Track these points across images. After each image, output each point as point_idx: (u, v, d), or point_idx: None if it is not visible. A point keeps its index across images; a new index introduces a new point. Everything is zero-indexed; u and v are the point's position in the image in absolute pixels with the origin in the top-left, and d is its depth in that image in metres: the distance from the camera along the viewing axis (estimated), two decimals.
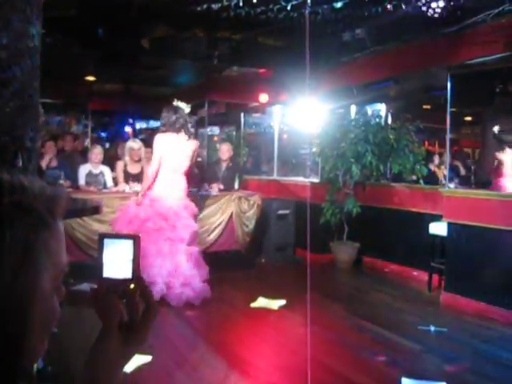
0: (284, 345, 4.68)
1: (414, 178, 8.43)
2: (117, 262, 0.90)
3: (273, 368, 4.18)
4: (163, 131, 6.15)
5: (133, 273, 0.89)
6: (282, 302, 5.84)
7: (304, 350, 3.97)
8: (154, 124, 15.39)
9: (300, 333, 4.58)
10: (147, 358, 4.02)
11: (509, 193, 5.80)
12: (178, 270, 5.75)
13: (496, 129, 7.57)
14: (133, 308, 0.90)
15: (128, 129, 15.52)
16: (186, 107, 6.36)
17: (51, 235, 0.74)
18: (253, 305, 5.79)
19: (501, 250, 5.67)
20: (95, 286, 0.90)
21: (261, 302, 5.86)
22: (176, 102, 6.35)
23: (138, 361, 3.88)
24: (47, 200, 0.73)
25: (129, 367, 3.44)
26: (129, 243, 0.89)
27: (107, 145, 13.15)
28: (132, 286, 0.89)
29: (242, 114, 11.39)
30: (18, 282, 0.68)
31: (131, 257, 0.89)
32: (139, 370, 3.78)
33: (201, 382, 3.85)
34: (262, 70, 9.76)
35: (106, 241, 0.90)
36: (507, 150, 7.35)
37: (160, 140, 6.08)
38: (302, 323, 4.74)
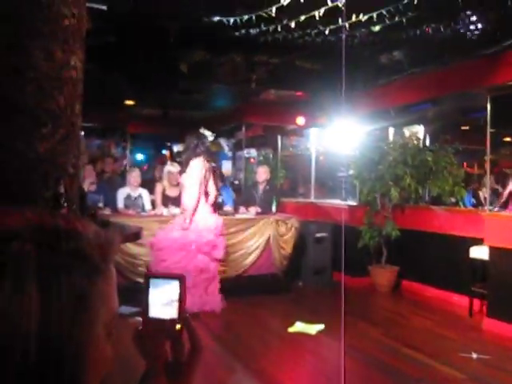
0: (321, 371, 4.62)
1: (454, 200, 8.32)
2: (163, 302, 0.89)
3: None
4: (187, 156, 6.50)
5: (179, 313, 0.89)
6: (320, 326, 5.77)
7: (341, 376, 3.92)
8: None
9: (337, 358, 4.51)
10: None
11: None
12: None
13: None
14: (178, 349, 0.89)
15: (166, 152, 15.71)
16: (210, 135, 6.69)
17: (104, 281, 0.74)
18: (290, 329, 5.73)
19: None
20: (140, 327, 0.90)
21: (298, 327, 5.80)
22: (202, 129, 6.65)
23: None
24: (101, 246, 0.74)
25: None
26: (175, 284, 0.89)
27: (145, 167, 13.34)
28: (178, 326, 0.89)
29: (279, 137, 11.42)
30: (74, 330, 0.68)
31: (177, 297, 0.89)
32: None
33: None
34: (299, 93, 9.79)
35: (151, 281, 0.90)
36: None
37: (198, 165, 6.20)
38: (339, 348, 4.67)
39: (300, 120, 10.23)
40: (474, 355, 5.04)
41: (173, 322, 0.89)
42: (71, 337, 0.68)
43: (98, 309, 0.72)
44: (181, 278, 0.90)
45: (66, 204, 2.68)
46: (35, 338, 0.65)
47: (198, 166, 6.37)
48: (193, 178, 6.35)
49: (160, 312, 0.89)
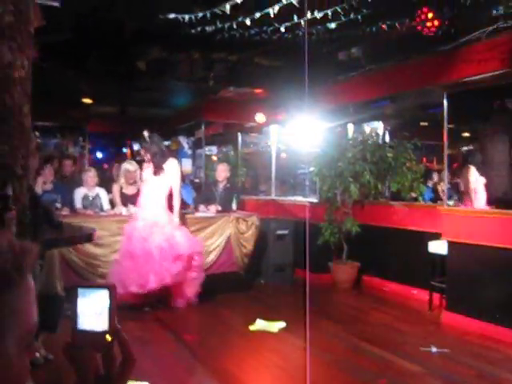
0: (283, 368, 4.61)
1: (414, 195, 8.41)
2: (92, 313, 0.85)
3: None
4: (160, 159, 6.67)
5: (109, 324, 0.85)
6: (282, 324, 5.76)
7: (304, 373, 3.91)
8: None
9: (300, 356, 4.50)
10: None
11: (509, 211, 5.74)
12: None
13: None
14: (109, 361, 0.85)
15: (126, 150, 15.53)
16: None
17: (17, 294, 0.69)
18: (252, 328, 5.71)
19: (502, 268, 5.61)
20: (69, 339, 0.85)
21: (260, 325, 5.78)
22: (145, 132, 6.77)
23: None
24: (15, 256, 0.69)
25: None
26: (104, 293, 0.85)
27: (106, 166, 13.16)
28: (109, 338, 0.84)
29: (239, 134, 11.39)
30: None
31: (107, 307, 0.85)
32: None
33: None
34: (258, 90, 9.77)
35: (79, 291, 0.85)
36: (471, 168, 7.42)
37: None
38: (301, 346, 4.66)
39: (260, 117, 10.21)
40: (434, 349, 5.09)
41: (103, 333, 0.84)
42: None
43: (8, 323, 0.67)
44: (110, 288, 0.85)
45: (14, 206, 2.60)
46: None
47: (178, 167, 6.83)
48: (179, 178, 6.76)
49: (90, 324, 0.85)
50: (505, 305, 5.51)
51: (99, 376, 0.84)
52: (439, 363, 4.84)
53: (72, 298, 0.85)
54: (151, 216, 6.48)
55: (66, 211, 6.94)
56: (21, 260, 0.70)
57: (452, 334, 5.70)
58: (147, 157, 6.67)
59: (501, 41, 5.82)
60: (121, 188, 7.55)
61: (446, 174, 7.02)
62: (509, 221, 5.60)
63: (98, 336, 0.84)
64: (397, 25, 6.01)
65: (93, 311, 0.84)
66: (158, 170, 6.58)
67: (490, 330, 5.55)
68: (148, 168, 6.68)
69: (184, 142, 13.26)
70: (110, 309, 0.84)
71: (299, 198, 9.40)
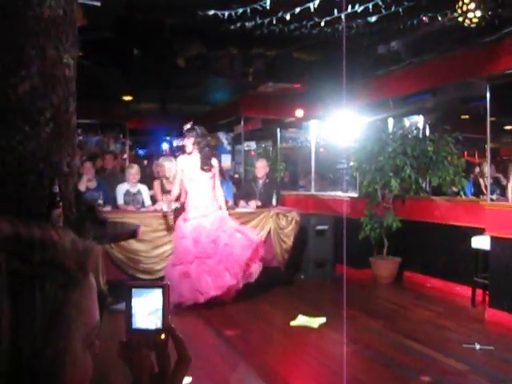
0: (324, 364, 4.60)
1: (455, 190, 8.29)
2: (146, 311, 0.87)
3: None
4: (208, 154, 6.60)
5: (163, 323, 0.86)
6: (322, 319, 5.75)
7: (345, 369, 3.90)
8: None
9: (340, 352, 4.49)
10: (187, 380, 3.99)
11: None
12: None
13: None
14: (164, 359, 0.87)
15: (165, 146, 15.70)
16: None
17: (82, 293, 0.71)
18: (292, 323, 5.71)
19: None
20: (124, 338, 0.87)
21: (300, 320, 5.78)
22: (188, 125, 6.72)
23: None
24: (79, 256, 0.71)
25: None
26: (158, 292, 0.86)
27: (145, 162, 13.32)
28: (163, 336, 0.86)
29: (278, 130, 11.39)
30: (49, 346, 0.65)
31: (161, 306, 0.86)
32: None
33: None
34: (297, 85, 9.75)
35: (134, 291, 0.87)
36: None
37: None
38: (342, 341, 4.65)
39: (299, 112, 10.19)
40: (478, 346, 5.02)
41: (157, 331, 0.86)
42: (45, 352, 0.65)
43: (74, 322, 0.69)
44: (163, 287, 0.87)
45: (61, 203, 2.66)
46: (7, 354, 0.62)
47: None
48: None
49: (144, 322, 0.86)
50: None
51: (154, 375, 0.86)
52: (483, 361, 4.76)
53: (126, 298, 0.87)
54: (206, 213, 6.41)
55: (108, 208, 7.06)
56: (84, 259, 0.71)
57: (496, 331, 5.60)
58: (194, 149, 6.44)
59: None
60: (161, 184, 7.64)
61: (488, 168, 6.89)
62: None
63: (152, 334, 0.86)
64: (438, 16, 5.91)
65: (147, 310, 0.86)
66: (207, 165, 6.43)
67: None
68: (189, 161, 6.47)
69: (223, 137, 13.34)
70: (164, 307, 0.86)
71: (339, 193, 9.36)
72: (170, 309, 0.88)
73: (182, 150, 7.38)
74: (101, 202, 6.95)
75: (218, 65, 8.69)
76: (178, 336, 0.87)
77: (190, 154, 6.47)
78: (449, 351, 4.92)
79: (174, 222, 6.75)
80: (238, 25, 5.85)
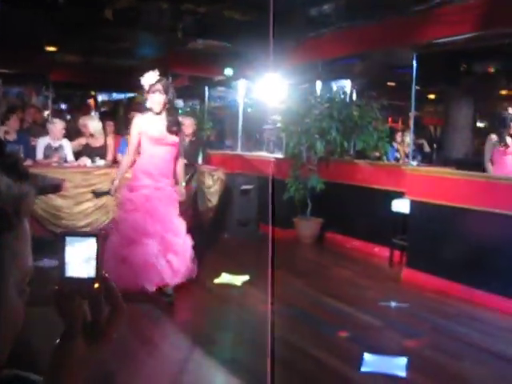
0: (247, 321, 4.69)
1: (378, 154, 8.52)
2: (79, 260, 0.85)
3: (236, 345, 4.19)
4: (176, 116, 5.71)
5: (97, 272, 0.85)
6: (246, 277, 5.84)
7: (267, 326, 3.99)
8: (116, 96, 15.15)
9: (263, 309, 4.59)
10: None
11: (470, 172, 5.88)
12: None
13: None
14: (97, 308, 0.86)
15: (90, 101, 15.25)
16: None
17: (16, 237, 0.70)
18: (216, 281, 5.78)
19: (461, 227, 5.77)
20: (56, 287, 0.85)
21: (224, 278, 5.85)
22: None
23: None
24: (13, 199, 0.69)
25: None
26: (91, 241, 0.85)
27: (68, 117, 12.91)
28: (96, 285, 0.85)
29: (207, 88, 11.28)
30: None
31: (94, 255, 0.85)
32: None
33: (164, 361, 3.84)
34: (225, 44, 9.64)
35: (67, 239, 0.86)
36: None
37: None
38: (265, 299, 4.74)
39: (228, 71, 10.11)
40: (393, 304, 5.24)
41: (91, 280, 0.85)
42: None
43: (9, 265, 0.68)
44: (97, 235, 0.86)
45: None
46: None
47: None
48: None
49: (77, 271, 0.85)
50: (462, 262, 5.69)
51: (87, 323, 0.85)
52: (397, 317, 4.99)
53: (59, 247, 0.85)
54: (160, 185, 5.29)
55: (28, 162, 6.83)
56: (19, 203, 0.70)
57: (411, 289, 5.86)
58: (157, 103, 5.19)
59: (473, 4, 5.86)
60: (86, 140, 7.48)
61: (411, 134, 7.10)
62: (468, 181, 5.74)
63: (85, 283, 0.85)
64: None
65: (80, 259, 0.85)
66: (176, 125, 5.36)
67: (447, 287, 5.73)
68: (152, 121, 5.26)
69: None
70: (98, 256, 0.85)
71: (265, 154, 9.42)
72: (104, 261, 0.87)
73: (133, 107, 7.02)
74: (21, 155, 6.73)
75: (146, 18, 8.48)
76: (111, 285, 0.87)
77: (158, 113, 5.24)
78: (366, 308, 5.12)
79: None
80: None
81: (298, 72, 8.86)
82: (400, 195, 6.57)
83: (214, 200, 7.58)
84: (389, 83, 11.67)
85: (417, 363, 3.86)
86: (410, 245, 6.37)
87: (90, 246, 0.85)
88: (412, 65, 6.66)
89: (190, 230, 6.69)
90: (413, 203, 6.27)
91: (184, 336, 4.30)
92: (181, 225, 5.47)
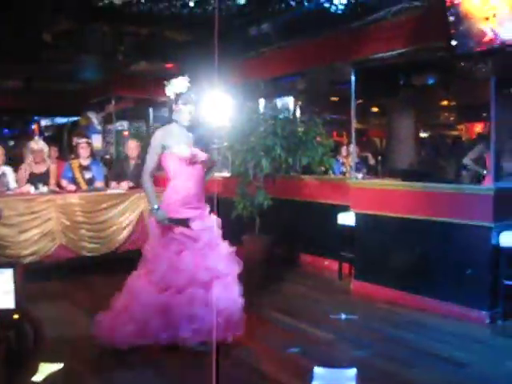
0: None
1: (323, 169, 8.62)
2: None
3: (182, 361, 4.16)
4: None
5: (16, 302, 0.86)
6: None
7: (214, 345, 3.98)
8: (59, 121, 14.93)
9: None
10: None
11: (409, 183, 6.04)
12: None
13: None
14: (21, 338, 0.86)
15: (34, 126, 15.02)
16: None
17: None
18: None
19: (404, 237, 5.93)
20: None
21: None
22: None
23: None
24: None
25: None
26: (9, 273, 0.86)
27: (12, 143, 12.68)
28: (16, 316, 0.86)
29: (151, 109, 11.26)
30: None
31: (12, 286, 0.86)
32: None
33: None
34: (169, 65, 9.65)
35: None
36: None
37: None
38: None
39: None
40: (343, 316, 5.32)
41: (10, 311, 0.85)
42: None
43: None
44: (14, 266, 0.87)
45: None
46: None
47: None
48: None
49: None
50: (407, 271, 5.84)
51: (11, 352, 0.86)
52: (348, 329, 5.06)
53: None
54: (196, 214, 4.60)
55: None
56: None
57: (360, 301, 5.95)
58: (188, 115, 4.65)
59: (405, 20, 6.04)
60: (30, 166, 7.36)
61: (353, 147, 7.23)
62: (411, 192, 5.90)
63: (4, 314, 0.85)
64: (304, 1, 6.10)
65: None
66: (203, 139, 4.83)
67: (395, 296, 5.86)
68: (177, 134, 4.62)
69: (93, 117, 12.95)
70: (16, 287, 0.85)
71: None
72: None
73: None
74: None
75: (87, 42, 8.42)
76: (33, 316, 0.87)
77: (186, 124, 4.66)
78: (317, 322, 5.17)
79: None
80: (107, 1, 5.71)
81: (242, 91, 8.92)
82: (346, 208, 6.68)
83: None
84: (332, 98, 11.86)
85: (368, 373, 3.91)
86: (356, 257, 6.48)
87: (6, 277, 0.85)
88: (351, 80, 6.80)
89: (139, 253, 6.66)
90: (357, 216, 6.39)
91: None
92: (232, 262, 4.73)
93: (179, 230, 4.46)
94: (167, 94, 4.75)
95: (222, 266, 4.58)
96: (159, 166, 4.69)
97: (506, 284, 5.21)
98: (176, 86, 4.75)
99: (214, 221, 4.67)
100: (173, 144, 4.52)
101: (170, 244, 4.50)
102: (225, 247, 4.72)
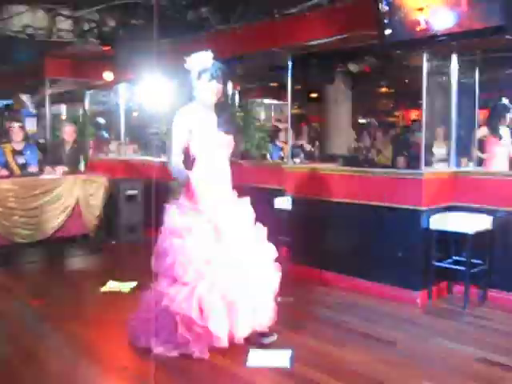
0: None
1: (262, 154, 8.68)
2: None
3: (123, 351, 4.15)
4: None
5: None
6: (134, 284, 5.79)
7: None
8: None
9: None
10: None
11: (344, 168, 6.18)
12: None
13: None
14: None
15: None
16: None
17: None
18: (103, 289, 5.69)
19: (338, 220, 6.06)
20: None
21: (111, 286, 5.77)
22: None
23: None
24: None
25: None
26: None
27: None
28: None
29: (87, 93, 11.04)
30: None
31: None
32: None
33: (50, 376, 3.73)
34: (106, 48, 9.47)
35: None
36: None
37: None
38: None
39: (107, 75, 9.92)
40: (279, 299, 5.38)
41: None
42: None
43: None
44: None
45: None
46: None
47: None
48: None
49: None
50: (342, 254, 5.98)
51: None
52: (283, 311, 5.12)
53: None
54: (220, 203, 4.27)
55: None
56: None
57: (297, 284, 6.03)
58: (214, 94, 4.22)
59: (341, 7, 6.13)
60: None
61: (290, 133, 7.30)
62: (346, 177, 6.03)
63: None
64: None
65: None
66: (229, 121, 4.45)
67: (330, 279, 6.00)
68: (203, 117, 4.21)
69: (27, 100, 12.59)
70: None
71: (149, 158, 9.35)
72: None
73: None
74: None
75: (20, 22, 8.19)
76: None
77: (210, 104, 4.26)
78: None
79: None
80: None
81: (181, 75, 8.83)
82: (283, 193, 6.75)
83: (98, 207, 7.45)
84: (271, 84, 11.90)
85: (301, 354, 4.00)
86: (293, 241, 6.57)
87: None
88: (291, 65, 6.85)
89: (74, 239, 6.59)
90: (293, 200, 6.48)
91: (70, 348, 4.21)
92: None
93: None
94: (189, 67, 4.32)
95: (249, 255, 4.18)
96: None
97: (435, 265, 5.40)
98: (199, 60, 4.30)
99: (243, 210, 4.36)
100: (196, 129, 4.12)
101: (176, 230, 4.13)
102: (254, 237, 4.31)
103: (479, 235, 5.23)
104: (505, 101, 7.60)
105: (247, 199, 4.47)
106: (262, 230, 4.43)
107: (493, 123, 7.36)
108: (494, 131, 7.29)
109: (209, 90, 4.16)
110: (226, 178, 4.36)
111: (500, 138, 7.32)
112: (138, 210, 8.08)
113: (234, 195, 4.43)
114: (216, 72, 4.18)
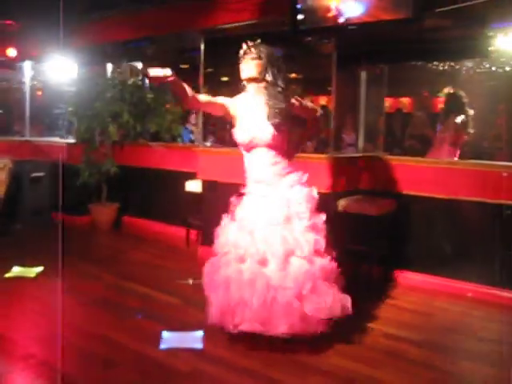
0: (41, 314, 4.53)
1: (174, 136, 8.61)
2: None
3: (30, 340, 4.04)
4: None
5: None
6: (40, 269, 5.64)
7: (62, 317, 3.92)
8: None
9: (58, 299, 4.48)
10: None
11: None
12: None
13: None
14: None
15: None
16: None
17: None
18: (7, 275, 5.51)
19: None
20: None
21: (16, 271, 5.61)
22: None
23: None
24: None
25: None
26: None
27: None
28: None
29: None
30: None
31: None
32: None
33: None
34: (8, 22, 9.06)
35: None
36: None
37: None
38: (59, 289, 4.64)
39: (10, 52, 9.50)
40: (191, 281, 5.42)
41: None
42: None
43: None
44: None
45: None
46: None
47: None
48: None
49: None
50: None
51: None
52: (194, 294, 5.15)
53: None
54: (267, 192, 4.13)
55: None
56: None
57: None
58: (241, 73, 4.05)
59: None
60: None
61: (200, 116, 7.28)
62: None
63: None
64: None
65: None
66: (278, 115, 3.93)
67: None
68: (250, 102, 4.02)
69: None
70: None
71: (56, 139, 9.07)
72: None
73: None
74: None
75: None
76: None
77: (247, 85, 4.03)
78: (164, 288, 5.23)
79: None
80: None
81: (88, 54, 8.60)
82: (194, 176, 6.75)
83: (1, 190, 7.17)
84: (182, 65, 11.77)
85: (213, 335, 4.04)
86: (203, 223, 6.60)
87: None
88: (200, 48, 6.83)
89: None
90: (204, 183, 6.50)
91: None
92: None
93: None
94: None
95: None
96: None
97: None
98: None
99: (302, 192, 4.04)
100: (238, 117, 3.92)
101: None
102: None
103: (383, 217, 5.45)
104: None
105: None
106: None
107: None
108: None
109: (240, 69, 4.03)
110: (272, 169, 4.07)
111: None
112: (44, 193, 7.85)
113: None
114: (248, 48, 4.04)
